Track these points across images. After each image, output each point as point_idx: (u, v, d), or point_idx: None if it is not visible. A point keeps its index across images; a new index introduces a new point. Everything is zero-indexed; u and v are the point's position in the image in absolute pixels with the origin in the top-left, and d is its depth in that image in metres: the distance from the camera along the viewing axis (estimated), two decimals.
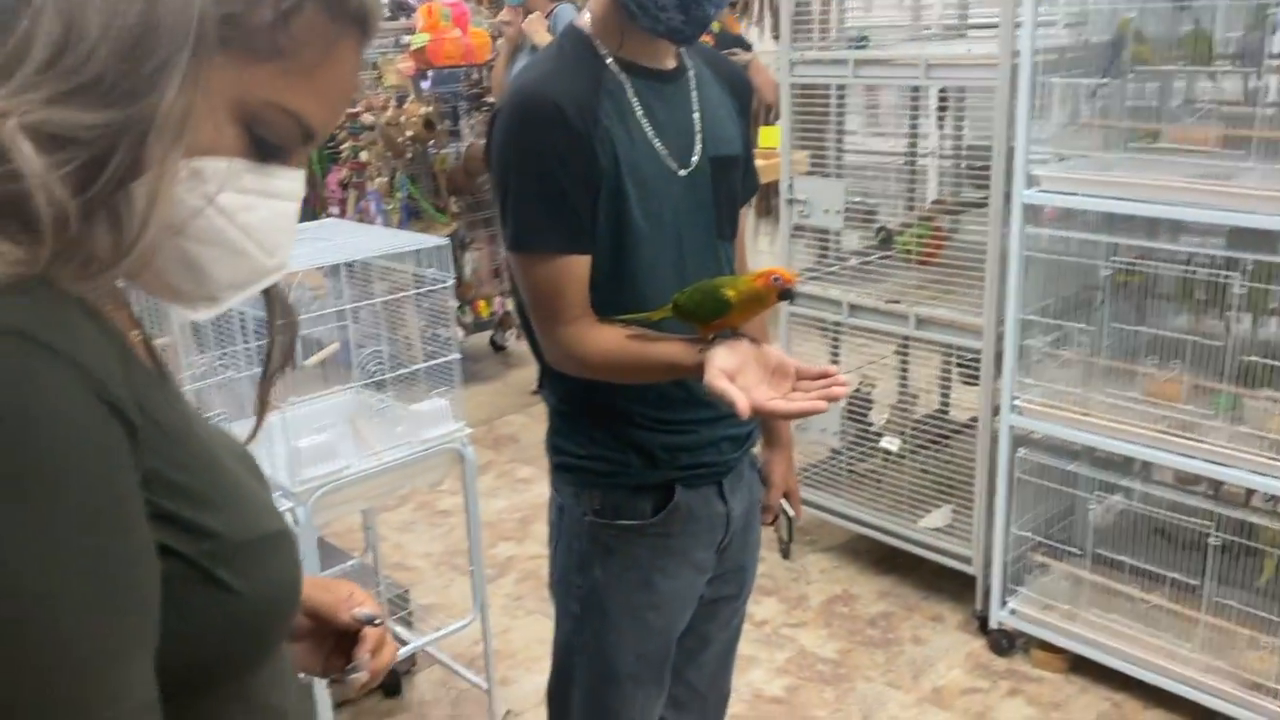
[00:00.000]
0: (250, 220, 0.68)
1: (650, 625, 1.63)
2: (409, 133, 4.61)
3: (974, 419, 3.09)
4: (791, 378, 1.30)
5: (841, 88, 3.22)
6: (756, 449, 1.75)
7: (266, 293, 0.79)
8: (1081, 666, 2.78)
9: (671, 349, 1.40)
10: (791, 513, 1.84)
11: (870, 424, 3.45)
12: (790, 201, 3.22)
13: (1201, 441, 2.41)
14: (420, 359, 2.43)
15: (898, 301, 3.05)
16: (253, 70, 0.65)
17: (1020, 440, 2.79)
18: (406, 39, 4.75)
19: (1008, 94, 2.65)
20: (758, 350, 1.33)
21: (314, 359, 2.39)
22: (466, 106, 4.98)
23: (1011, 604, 2.88)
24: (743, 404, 1.22)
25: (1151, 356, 2.56)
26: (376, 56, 4.77)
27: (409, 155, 4.71)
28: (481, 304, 5.03)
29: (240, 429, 0.86)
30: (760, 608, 3.15)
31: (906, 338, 3.24)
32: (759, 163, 1.74)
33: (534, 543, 3.60)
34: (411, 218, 4.79)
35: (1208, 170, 2.37)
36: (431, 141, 4.75)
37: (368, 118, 4.68)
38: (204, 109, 0.63)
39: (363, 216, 4.83)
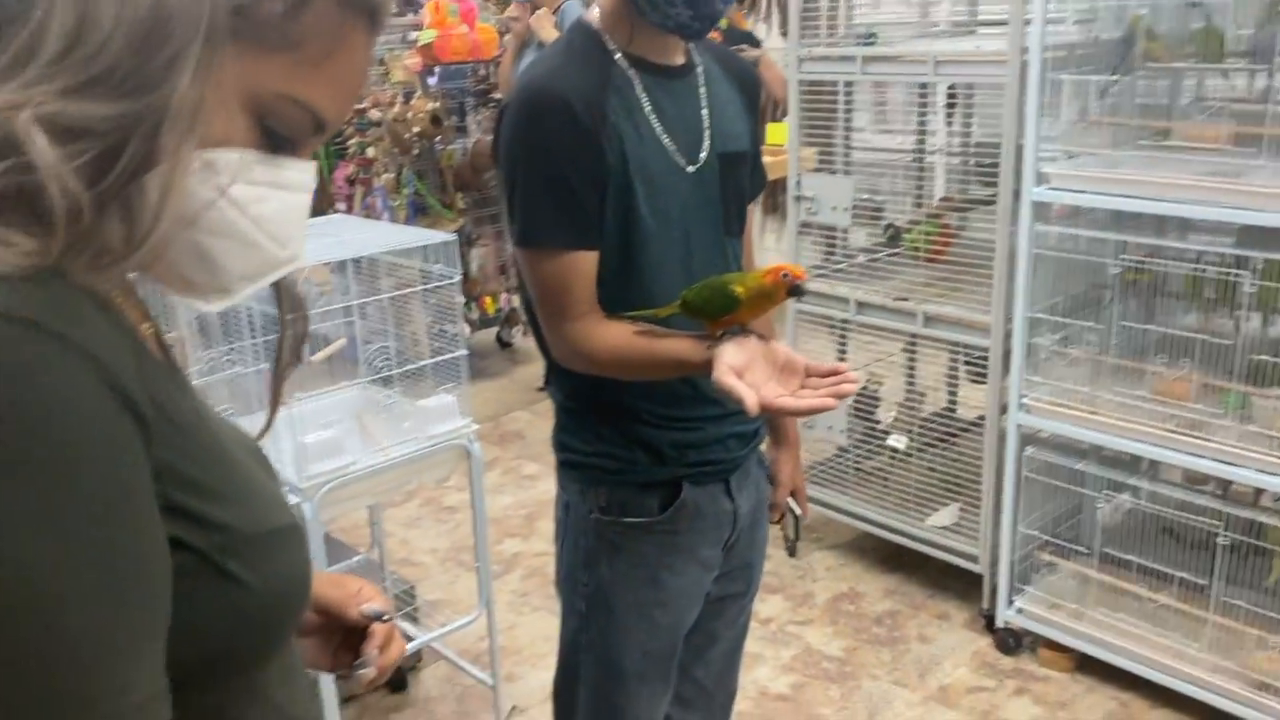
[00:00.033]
0: (262, 212, 0.68)
1: (657, 623, 1.63)
2: (416, 129, 4.61)
3: (981, 417, 3.08)
4: (800, 375, 1.30)
5: (849, 84, 3.21)
6: (763, 447, 1.74)
7: (276, 285, 0.79)
8: (1088, 666, 2.78)
9: (679, 345, 1.39)
10: (798, 511, 1.84)
11: (877, 422, 3.44)
12: (798, 198, 3.21)
13: (1210, 440, 2.40)
14: (427, 355, 2.43)
15: (906, 299, 3.04)
16: (264, 62, 0.65)
17: (1028, 439, 2.78)
18: (414, 35, 4.75)
19: (1017, 91, 2.65)
20: (766, 347, 1.33)
21: (321, 355, 2.39)
22: (473, 102, 4.98)
23: (1018, 603, 2.87)
24: (751, 401, 1.21)
25: (1160, 355, 2.54)
26: (384, 52, 4.77)
27: (415, 151, 4.71)
28: (488, 300, 5.03)
29: (247, 424, 0.86)
30: (766, 605, 3.14)
31: (914, 335, 3.23)
32: (766, 159, 1.73)
33: (539, 539, 3.60)
34: (418, 214, 4.79)
35: (1218, 168, 2.35)
36: (438, 138, 4.74)
37: (375, 114, 4.68)
38: (216, 101, 0.63)
39: (369, 212, 4.83)
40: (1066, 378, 2.67)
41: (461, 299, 2.51)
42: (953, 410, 3.56)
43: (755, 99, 1.67)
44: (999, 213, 2.78)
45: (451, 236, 2.40)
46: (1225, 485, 2.68)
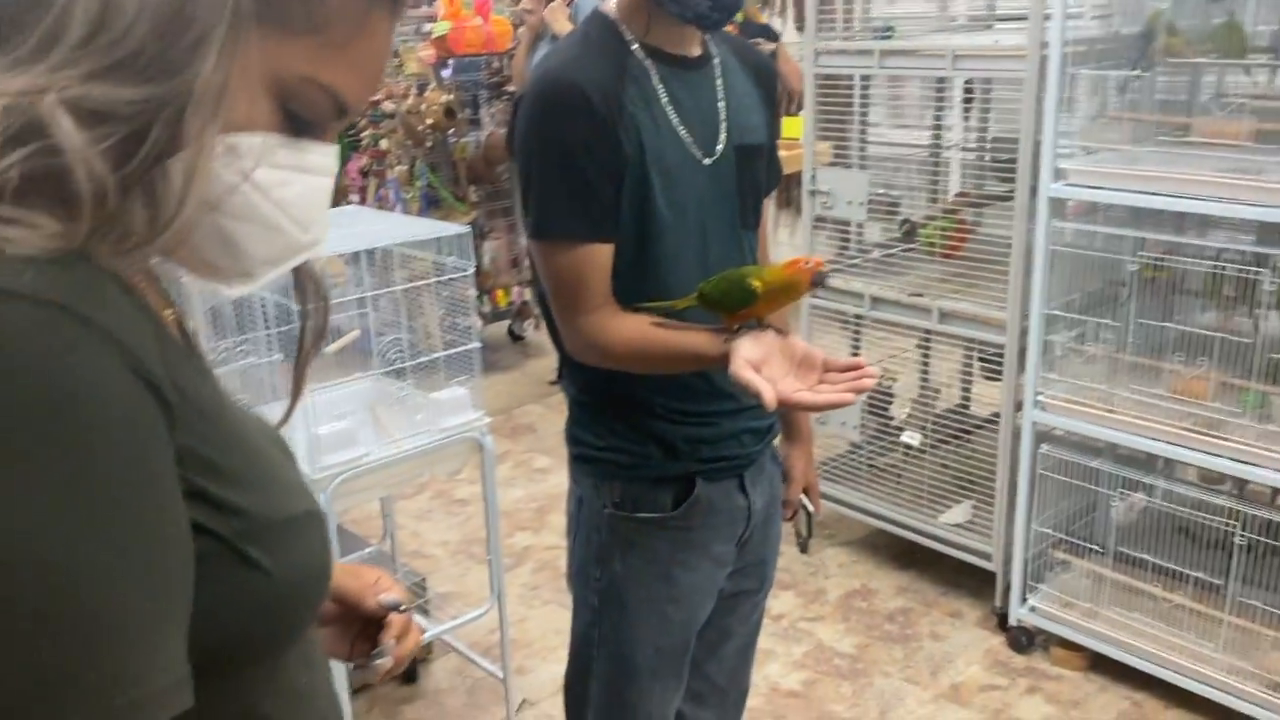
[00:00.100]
0: (285, 196, 0.68)
1: (669, 619, 1.62)
2: (429, 121, 4.60)
3: (996, 414, 3.06)
4: (818, 370, 1.28)
5: (866, 78, 3.19)
6: (776, 442, 1.73)
7: (296, 272, 0.78)
8: (1101, 665, 2.76)
9: (696, 339, 1.38)
10: (811, 508, 1.83)
11: (891, 418, 3.43)
12: (813, 193, 3.20)
13: (1228, 440, 2.38)
14: (439, 347, 2.43)
15: (921, 295, 3.03)
16: (288, 45, 0.64)
17: (1043, 436, 2.77)
18: (428, 27, 4.74)
19: (1036, 86, 2.63)
20: (783, 341, 1.32)
21: (334, 346, 2.39)
22: (487, 95, 4.97)
23: (1031, 601, 2.85)
24: (769, 395, 1.20)
25: (1178, 353, 2.52)
26: (398, 44, 4.76)
27: (429, 144, 4.71)
28: (500, 293, 5.03)
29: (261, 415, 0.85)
30: (778, 601, 3.13)
31: (929, 331, 3.21)
32: (781, 153, 1.72)
33: (550, 533, 3.60)
34: (430, 206, 4.79)
35: (1238, 165, 2.33)
36: (451, 130, 4.74)
37: (388, 105, 4.67)
38: (239, 84, 0.63)
39: (382, 204, 4.83)
40: (1082, 375, 2.65)
41: (474, 292, 2.50)
42: (966, 407, 3.55)
43: (772, 92, 1.65)
44: (1016, 209, 2.77)
45: (465, 229, 2.40)
46: (1242, 485, 2.66)
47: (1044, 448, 2.74)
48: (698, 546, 1.61)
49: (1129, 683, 2.71)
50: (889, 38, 3.10)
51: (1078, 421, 2.65)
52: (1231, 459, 2.37)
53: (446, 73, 4.82)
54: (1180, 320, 2.54)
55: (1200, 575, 2.56)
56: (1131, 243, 2.57)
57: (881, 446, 3.42)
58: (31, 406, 0.53)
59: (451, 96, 4.67)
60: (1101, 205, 2.57)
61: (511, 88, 4.86)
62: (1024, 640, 2.89)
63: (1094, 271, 2.66)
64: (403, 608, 0.93)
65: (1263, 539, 2.42)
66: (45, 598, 0.54)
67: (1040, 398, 2.69)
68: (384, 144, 4.81)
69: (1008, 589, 2.92)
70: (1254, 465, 2.34)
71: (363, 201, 4.93)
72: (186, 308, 0.75)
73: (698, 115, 1.50)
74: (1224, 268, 2.43)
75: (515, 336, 5.48)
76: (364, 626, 0.94)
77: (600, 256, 1.44)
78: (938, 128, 3.46)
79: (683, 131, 1.47)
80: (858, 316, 3.22)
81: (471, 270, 2.37)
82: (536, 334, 5.35)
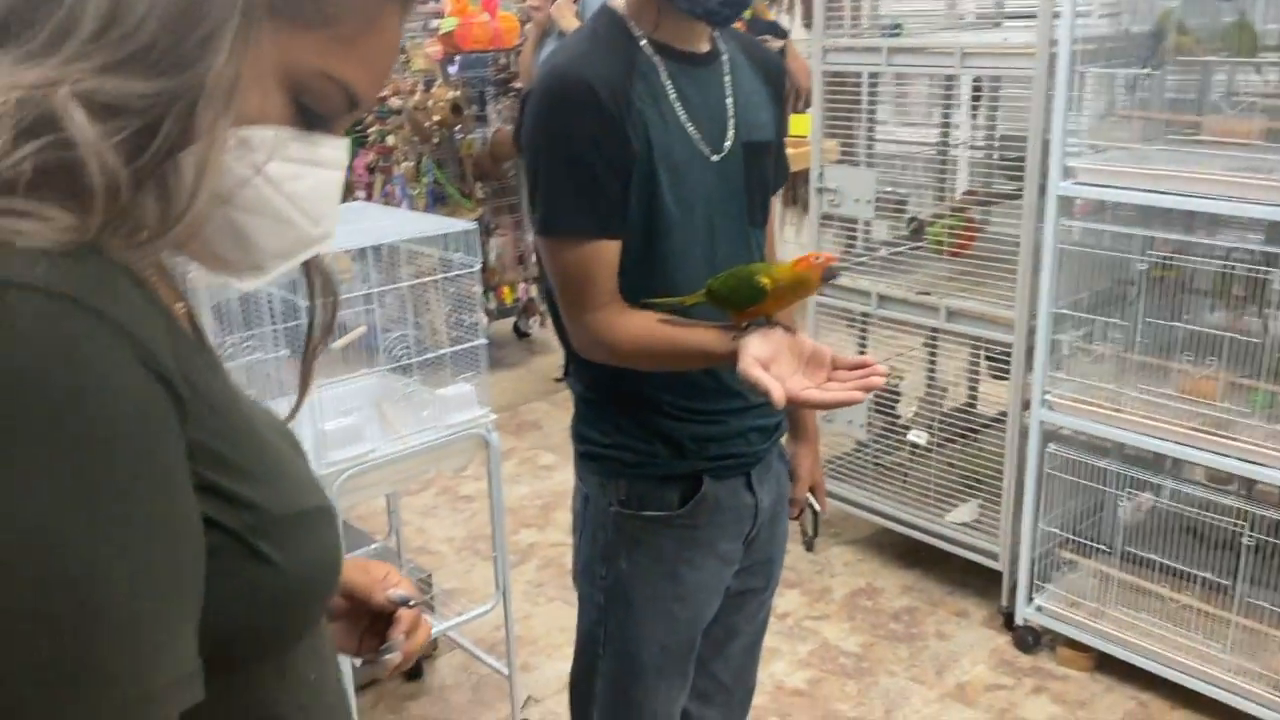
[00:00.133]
0: (297, 189, 0.68)
1: (675, 617, 1.62)
2: (436, 117, 4.60)
3: (1002, 413, 3.05)
4: (826, 367, 1.28)
5: (874, 76, 3.18)
6: (783, 440, 1.73)
7: (306, 266, 0.79)
8: (1108, 665, 2.75)
9: (704, 336, 1.38)
10: (817, 506, 1.82)
11: (897, 417, 3.42)
12: (820, 190, 3.19)
13: (1237, 440, 2.37)
14: (445, 344, 2.43)
15: (928, 293, 3.02)
16: (300, 38, 0.65)
17: (1050, 435, 2.76)
18: (435, 23, 4.74)
19: (1044, 84, 2.61)
20: (792, 339, 1.31)
21: (341, 342, 2.39)
22: (494, 91, 4.96)
23: (1038, 600, 2.85)
24: (778, 393, 1.20)
25: (1187, 353, 2.51)
26: (405, 40, 4.76)
27: (435, 140, 4.71)
28: (505, 290, 5.02)
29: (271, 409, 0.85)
30: (783, 600, 3.13)
31: (936, 330, 3.21)
32: (788, 151, 1.72)
33: (555, 530, 3.60)
34: (437, 203, 4.79)
35: (1248, 163, 2.32)
36: (458, 126, 4.73)
37: (395, 102, 4.67)
38: (251, 78, 0.63)
39: (388, 200, 4.83)
40: (1090, 375, 2.64)
41: (480, 288, 2.50)
42: (973, 406, 3.54)
43: (780, 89, 1.65)
44: (1024, 207, 2.76)
45: (472, 225, 2.39)
46: (1250, 485, 2.65)
47: (1051, 447, 2.73)
48: (704, 545, 1.60)
49: (1135, 683, 2.70)
50: (897, 35, 3.09)
51: (1085, 421, 2.64)
52: (1240, 459, 2.36)
53: (453, 69, 4.82)
54: (1189, 320, 2.53)
55: (1208, 575, 2.55)
56: (1140, 242, 2.56)
57: (888, 445, 3.41)
58: (43, 399, 0.53)
59: (458, 93, 4.66)
60: (1110, 204, 2.56)
61: (518, 84, 4.85)
62: (1030, 640, 2.88)
63: (1102, 270, 2.65)
64: (412, 603, 0.93)
65: (1271, 539, 2.41)
66: (56, 589, 0.53)
67: (1048, 397, 2.68)
68: (390, 140, 4.81)
69: (1014, 588, 2.91)
70: (1262, 465, 2.33)
71: (369, 197, 4.93)
72: (192, 303, 0.75)
73: (706, 112, 1.49)
74: (1233, 267, 2.42)
75: (521, 333, 5.48)
76: (373, 621, 0.94)
77: (608, 253, 1.44)
78: (946, 125, 3.45)
79: (691, 128, 1.47)
80: (864, 315, 3.21)
81: (477, 267, 2.37)
82: (542, 331, 5.35)
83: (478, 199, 4.85)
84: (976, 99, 3.46)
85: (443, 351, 2.41)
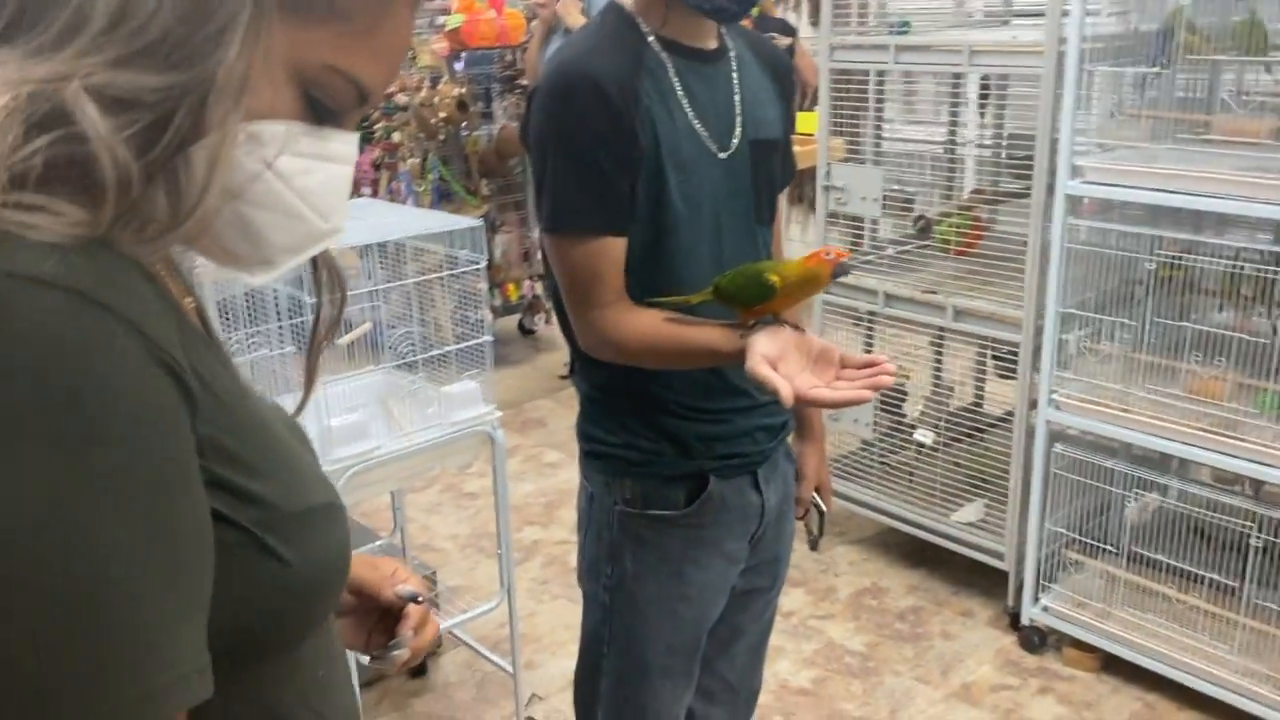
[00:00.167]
0: (307, 184, 0.68)
1: (681, 617, 1.61)
2: (442, 114, 4.60)
3: (1009, 413, 3.04)
4: (835, 366, 1.27)
5: (881, 73, 3.17)
6: (791, 439, 1.72)
7: (314, 262, 0.78)
8: (1114, 666, 2.75)
9: (711, 334, 1.37)
10: (823, 506, 1.82)
11: (903, 416, 3.41)
12: (827, 188, 3.18)
13: (1244, 440, 2.36)
14: (451, 341, 2.42)
15: (935, 292, 3.01)
16: (311, 33, 0.64)
17: (1057, 435, 2.75)
18: (441, 19, 4.74)
19: (1053, 83, 2.61)
20: (800, 337, 1.30)
21: (346, 338, 2.39)
22: (500, 88, 4.96)
23: (1044, 601, 2.84)
24: (786, 392, 1.19)
25: (1194, 353, 2.50)
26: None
27: (441, 137, 4.70)
28: (510, 287, 5.02)
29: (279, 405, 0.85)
30: (788, 599, 3.12)
31: (943, 329, 3.20)
32: (794, 149, 1.71)
33: (560, 528, 3.59)
34: (442, 199, 4.79)
35: (1257, 163, 2.31)
36: (464, 123, 4.73)
37: (401, 98, 4.67)
38: (262, 72, 0.63)
39: (393, 197, 4.83)
40: (1098, 374, 2.63)
41: (485, 285, 2.49)
42: (980, 405, 3.53)
43: (788, 86, 1.64)
44: (1032, 206, 2.75)
45: (478, 222, 2.39)
46: (1258, 485, 2.64)
47: (1058, 447, 2.73)
48: (710, 544, 1.59)
49: (1141, 684, 2.69)
50: (905, 33, 3.08)
51: (1092, 421, 2.63)
52: (1248, 460, 2.35)
53: (459, 66, 4.82)
54: (1197, 320, 2.52)
55: (1215, 576, 2.54)
56: (1148, 241, 2.55)
57: (894, 444, 3.40)
58: (53, 393, 0.53)
59: (464, 90, 4.66)
60: (1118, 203, 2.55)
61: (524, 81, 4.85)
62: (1036, 640, 2.87)
63: (1110, 270, 2.63)
64: (420, 599, 0.93)
65: (1278, 541, 2.40)
66: (64, 584, 0.53)
67: (1055, 396, 2.68)
68: (396, 137, 4.80)
69: (1020, 588, 2.90)
70: (1270, 466, 2.32)
71: (375, 194, 4.93)
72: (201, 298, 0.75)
73: (713, 109, 1.48)
74: (1242, 267, 2.41)
75: (526, 331, 5.48)
76: (381, 618, 0.94)
77: (614, 250, 1.43)
78: (953, 124, 3.44)
79: (698, 125, 1.46)
80: (871, 313, 3.20)
81: (483, 264, 2.37)
82: (547, 328, 5.35)
83: (483, 196, 4.84)
84: (984, 97, 3.45)
85: (448, 348, 2.41)
